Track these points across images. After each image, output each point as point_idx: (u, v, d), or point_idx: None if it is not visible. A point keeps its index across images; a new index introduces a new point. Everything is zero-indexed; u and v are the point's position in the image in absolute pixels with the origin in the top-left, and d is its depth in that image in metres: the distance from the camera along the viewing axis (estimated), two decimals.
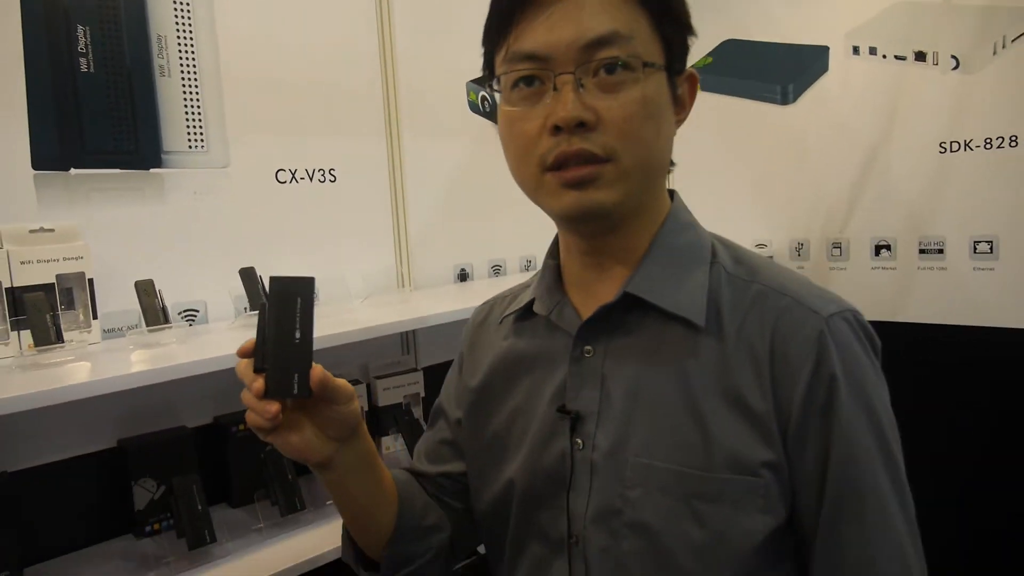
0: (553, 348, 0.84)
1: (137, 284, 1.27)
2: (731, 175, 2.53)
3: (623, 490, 0.75)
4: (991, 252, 2.09)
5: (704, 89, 2.61)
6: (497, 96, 0.79)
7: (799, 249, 2.43)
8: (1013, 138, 2.02)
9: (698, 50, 2.57)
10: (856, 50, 2.26)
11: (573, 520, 0.77)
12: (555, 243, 0.90)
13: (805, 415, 0.71)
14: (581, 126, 0.70)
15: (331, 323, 1.38)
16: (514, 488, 0.83)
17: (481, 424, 0.90)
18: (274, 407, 0.70)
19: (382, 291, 1.80)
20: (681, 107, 0.79)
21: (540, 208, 0.80)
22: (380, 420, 1.71)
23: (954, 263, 2.15)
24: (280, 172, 1.62)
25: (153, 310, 1.27)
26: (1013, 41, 2.00)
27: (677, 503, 0.72)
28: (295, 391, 0.70)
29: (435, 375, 1.80)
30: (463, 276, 2.04)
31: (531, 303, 0.88)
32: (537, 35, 0.72)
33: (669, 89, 0.75)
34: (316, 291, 0.73)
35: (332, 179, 1.71)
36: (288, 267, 1.61)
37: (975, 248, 2.11)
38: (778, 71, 2.41)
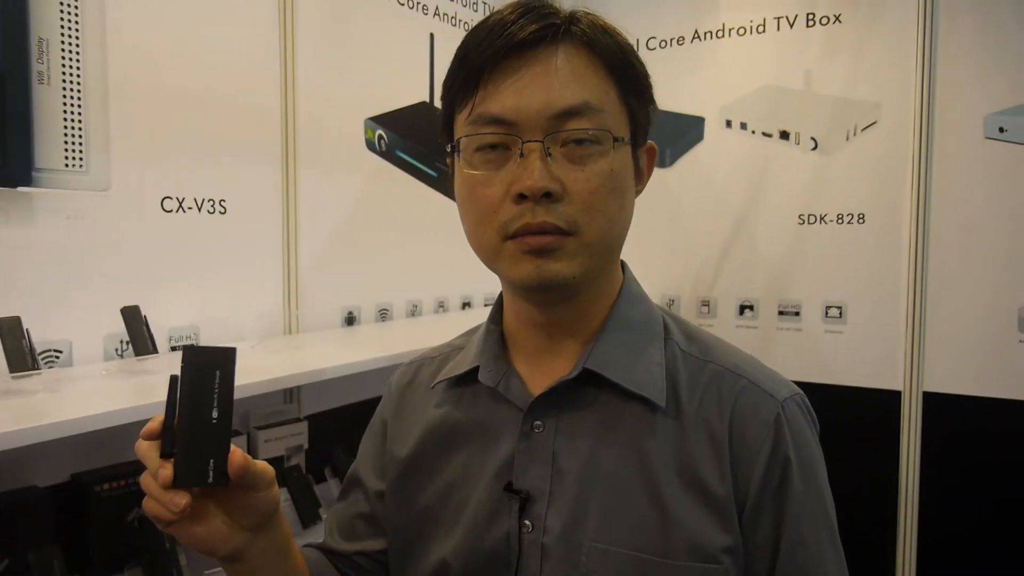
0: (495, 421, 0.79)
1: (0, 322, 1.08)
2: None
3: None
4: (840, 317, 2.30)
5: None
6: (455, 157, 0.75)
7: (670, 304, 2.55)
8: (861, 215, 2.25)
9: None
10: (729, 123, 2.43)
11: None
12: (498, 308, 0.85)
13: (760, 496, 0.71)
14: (547, 196, 0.68)
15: None
16: (448, 570, 0.77)
17: (408, 498, 0.83)
18: (183, 500, 0.62)
19: (268, 335, 1.67)
20: (640, 178, 0.79)
21: (496, 274, 0.77)
22: None
23: (809, 325, 2.34)
24: (166, 200, 1.47)
25: (19, 353, 1.08)
26: (863, 130, 2.25)
27: None
28: (209, 479, 0.63)
29: (319, 425, 1.68)
30: (350, 320, 1.94)
31: (471, 371, 0.82)
32: (505, 99, 0.69)
33: (632, 161, 0.75)
34: (232, 361, 0.65)
35: (222, 210, 1.57)
36: (170, 306, 1.45)
37: (827, 312, 2.32)
38: (658, 135, 2.53)
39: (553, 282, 0.70)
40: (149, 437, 0.64)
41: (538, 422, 0.75)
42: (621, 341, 0.77)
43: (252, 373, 1.24)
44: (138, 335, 1.20)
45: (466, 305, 2.33)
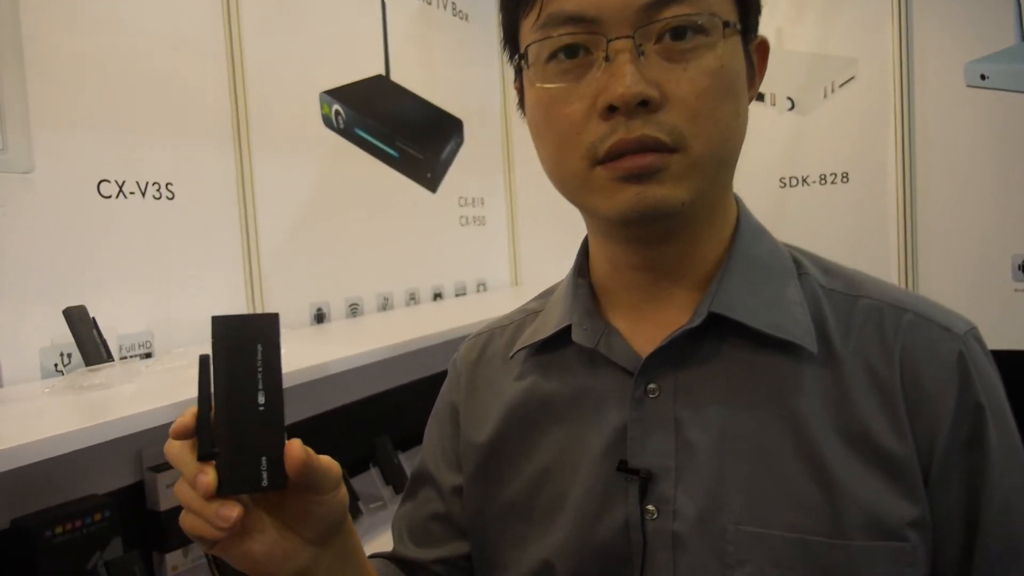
0: (597, 389, 0.66)
1: None
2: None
3: (724, 570, 0.58)
4: None
5: None
6: (523, 72, 0.63)
7: None
8: (844, 174, 2.18)
9: None
10: None
11: None
12: (584, 256, 0.73)
13: (948, 453, 0.58)
14: (643, 105, 0.56)
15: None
16: (553, 573, 0.65)
17: (493, 491, 0.71)
18: (233, 511, 0.51)
19: None
20: (752, 81, 0.66)
21: (583, 211, 0.65)
22: (163, 530, 1.22)
23: None
24: (103, 184, 1.24)
25: None
26: (840, 86, 2.17)
27: None
28: (263, 483, 0.52)
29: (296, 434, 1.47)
30: (320, 317, 1.74)
31: (560, 333, 0.69)
32: None
33: (745, 57, 0.62)
34: (275, 331, 0.53)
35: (170, 195, 1.35)
36: (116, 310, 1.23)
37: None
38: None
39: (658, 211, 0.58)
40: (181, 436, 0.52)
41: (652, 385, 0.63)
42: (749, 280, 0.64)
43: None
44: (87, 340, 0.98)
45: (437, 296, 2.14)
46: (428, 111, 2.16)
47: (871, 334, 0.62)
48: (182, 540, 1.27)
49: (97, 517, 1.11)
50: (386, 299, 1.96)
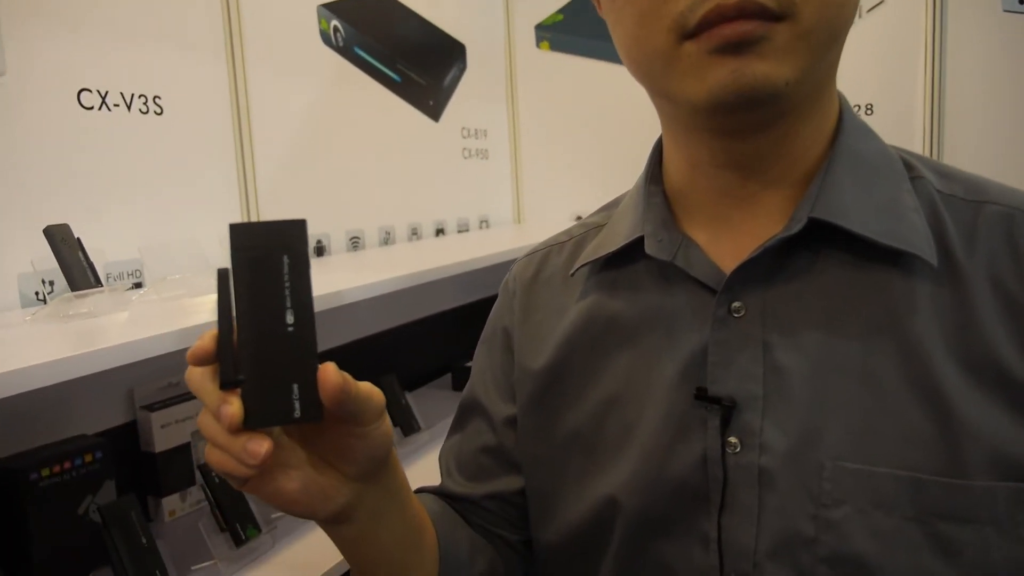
0: (673, 307, 0.60)
1: None
2: (582, 141, 2.36)
3: (818, 510, 0.51)
4: None
5: (555, 49, 2.42)
6: None
7: None
8: (869, 106, 2.07)
9: (548, 5, 2.36)
10: None
11: (732, 556, 0.54)
12: (655, 161, 0.65)
13: None
14: None
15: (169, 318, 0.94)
16: (618, 511, 0.59)
17: (552, 422, 0.65)
18: (261, 446, 0.45)
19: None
20: None
21: (664, 99, 0.55)
22: (159, 472, 1.15)
23: None
24: (84, 93, 1.11)
25: None
26: (868, 11, 2.05)
27: (909, 526, 0.49)
28: (296, 414, 0.46)
29: None
30: (320, 250, 1.63)
31: (630, 245, 0.62)
32: None
33: None
34: (303, 239, 0.47)
35: (158, 110, 1.22)
36: (101, 235, 1.11)
37: None
38: None
39: (757, 92, 0.49)
40: (201, 361, 0.45)
41: (737, 303, 0.56)
42: (857, 181, 0.55)
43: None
44: (72, 262, 0.87)
45: (439, 232, 2.04)
46: (431, 33, 2.02)
47: (1000, 246, 0.54)
48: (179, 483, 1.19)
49: (88, 458, 1.01)
50: (388, 233, 1.84)
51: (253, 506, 1.07)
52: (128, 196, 1.17)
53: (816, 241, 0.54)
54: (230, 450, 0.45)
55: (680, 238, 0.60)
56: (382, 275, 1.16)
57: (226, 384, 0.45)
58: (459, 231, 2.13)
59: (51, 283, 1.04)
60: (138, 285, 1.16)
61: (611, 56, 2.29)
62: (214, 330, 0.45)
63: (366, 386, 0.48)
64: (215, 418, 0.45)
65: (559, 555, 0.65)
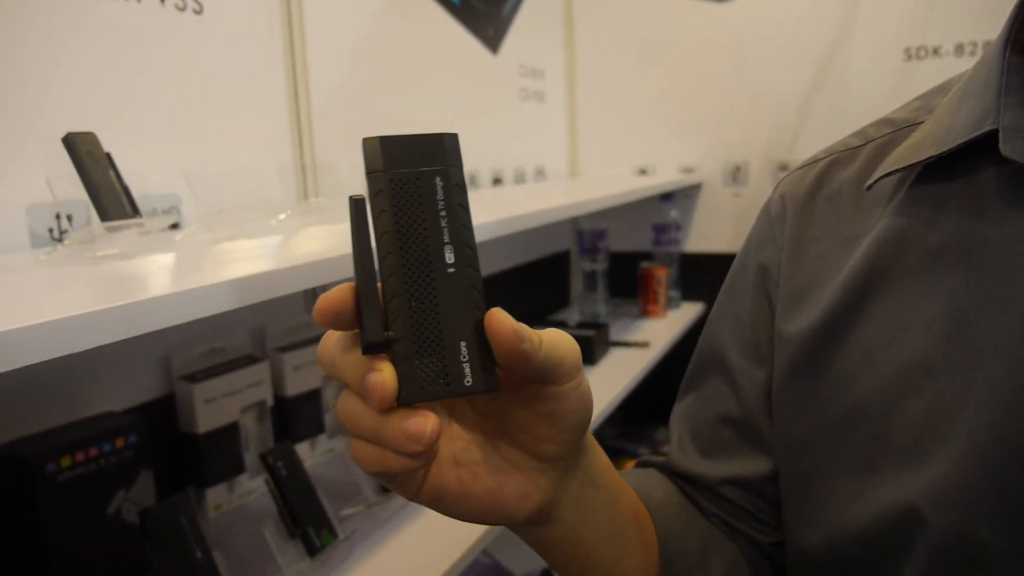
0: None
1: None
2: (646, 86, 2.12)
3: None
4: None
5: None
6: None
7: (735, 174, 2.08)
8: (987, 43, 1.82)
9: None
10: None
11: None
12: (1018, 19, 0.45)
13: None
14: None
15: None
16: (919, 527, 0.42)
17: (828, 392, 0.49)
18: (426, 424, 0.32)
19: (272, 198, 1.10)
20: None
21: None
22: (202, 458, 0.94)
23: None
24: None
25: None
26: None
27: None
28: (467, 380, 0.34)
29: None
30: None
31: (973, 143, 0.44)
32: None
33: None
34: (458, 156, 0.36)
35: (197, 8, 0.98)
36: (132, 158, 0.87)
37: None
38: None
39: None
40: (335, 321, 0.33)
41: None
42: None
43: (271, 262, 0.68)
44: (102, 184, 0.63)
45: (496, 182, 1.80)
46: None
47: None
48: (226, 471, 0.97)
49: (119, 443, 0.79)
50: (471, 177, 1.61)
51: (326, 503, 0.85)
52: (160, 112, 0.93)
53: None
54: (383, 438, 0.32)
55: None
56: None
57: (371, 347, 0.33)
58: (516, 181, 1.90)
59: (69, 217, 0.80)
60: (175, 226, 0.93)
61: None
62: (349, 284, 0.34)
63: (552, 333, 0.35)
64: (359, 395, 0.33)
65: (825, 570, 0.49)
